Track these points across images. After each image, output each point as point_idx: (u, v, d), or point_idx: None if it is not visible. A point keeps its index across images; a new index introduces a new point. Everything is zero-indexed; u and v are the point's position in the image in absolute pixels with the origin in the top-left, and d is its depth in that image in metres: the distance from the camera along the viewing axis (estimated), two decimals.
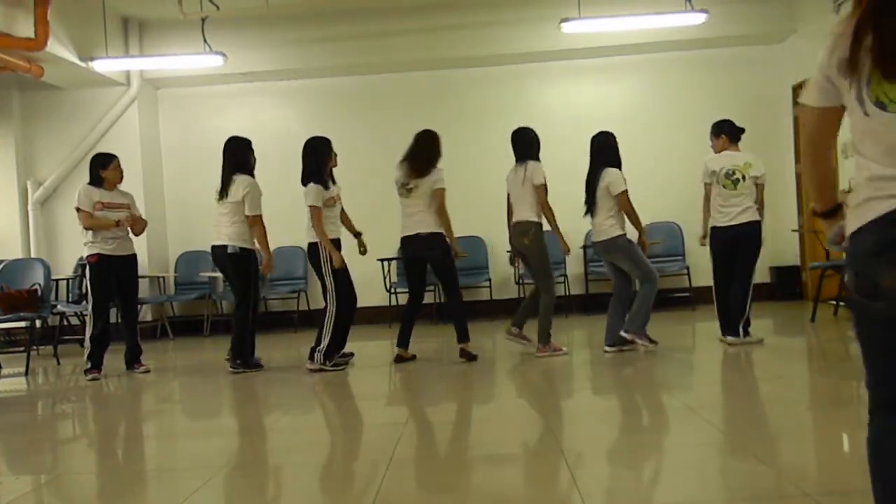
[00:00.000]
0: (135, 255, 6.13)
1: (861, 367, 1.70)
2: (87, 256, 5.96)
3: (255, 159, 5.89)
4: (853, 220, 1.71)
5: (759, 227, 5.54)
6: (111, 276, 5.93)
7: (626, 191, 5.49)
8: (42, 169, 8.79)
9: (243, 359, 5.79)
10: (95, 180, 5.98)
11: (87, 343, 5.94)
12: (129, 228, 6.04)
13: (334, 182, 5.74)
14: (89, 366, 5.92)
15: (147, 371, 6.10)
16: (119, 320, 6.25)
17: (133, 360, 6.15)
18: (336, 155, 5.74)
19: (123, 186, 6.19)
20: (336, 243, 5.65)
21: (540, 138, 5.72)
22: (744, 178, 5.51)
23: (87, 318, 6.03)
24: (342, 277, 5.62)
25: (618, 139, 5.70)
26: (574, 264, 8.71)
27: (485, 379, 5.26)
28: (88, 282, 5.98)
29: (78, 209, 5.88)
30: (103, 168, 5.98)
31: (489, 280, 8.63)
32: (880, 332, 1.68)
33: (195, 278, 8.60)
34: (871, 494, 1.71)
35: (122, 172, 6.07)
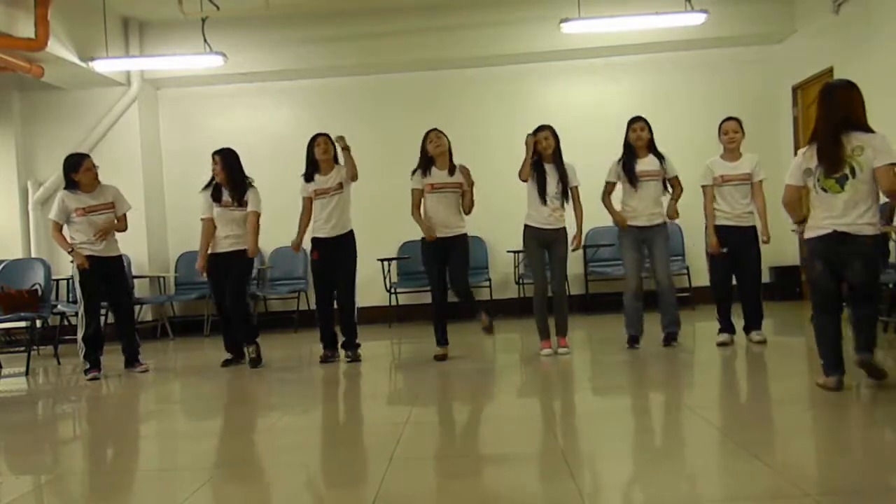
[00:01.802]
0: (121, 256, 6.13)
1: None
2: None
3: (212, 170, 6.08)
4: (808, 234, 3.97)
5: None
6: (99, 277, 5.92)
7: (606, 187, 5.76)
8: (42, 169, 8.79)
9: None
10: (70, 184, 5.91)
11: (80, 344, 5.92)
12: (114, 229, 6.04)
13: (336, 172, 5.89)
14: (88, 366, 5.93)
15: (146, 370, 6.11)
16: (114, 321, 6.27)
17: (132, 360, 6.16)
18: (322, 144, 5.84)
19: (123, 183, 6.18)
20: (316, 241, 5.90)
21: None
22: None
23: (79, 320, 5.98)
24: (313, 272, 6.02)
25: (618, 139, 5.80)
26: (574, 264, 8.70)
27: (485, 378, 5.26)
28: (78, 283, 5.92)
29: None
30: (74, 171, 5.87)
31: (489, 280, 8.63)
32: (819, 279, 3.94)
33: (195, 278, 8.56)
34: None
35: (95, 172, 5.93)
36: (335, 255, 5.90)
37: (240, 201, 5.98)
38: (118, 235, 6.10)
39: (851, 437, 3.42)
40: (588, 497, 2.59)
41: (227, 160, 6.00)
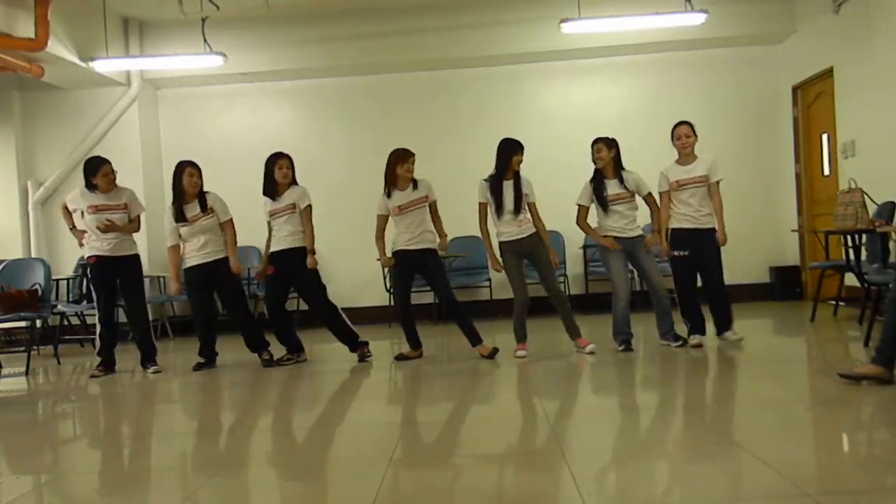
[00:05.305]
0: (135, 256, 6.12)
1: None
2: (87, 257, 6.01)
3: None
4: None
5: None
6: (109, 276, 5.96)
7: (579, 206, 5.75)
8: (42, 169, 8.79)
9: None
10: (89, 185, 5.97)
11: (97, 341, 6.09)
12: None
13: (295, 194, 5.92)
14: (98, 363, 6.06)
15: (157, 371, 6.12)
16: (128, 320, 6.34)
17: (144, 359, 6.19)
18: (283, 168, 5.85)
19: (123, 183, 6.18)
20: (271, 256, 5.95)
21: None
22: None
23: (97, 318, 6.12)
24: (266, 286, 6.10)
25: (618, 139, 5.80)
26: (574, 264, 8.71)
27: (484, 379, 5.26)
28: (91, 282, 6.01)
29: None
30: (92, 175, 5.94)
31: (489, 280, 8.62)
32: None
33: None
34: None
35: (112, 178, 5.98)
36: (289, 268, 5.91)
37: (204, 209, 5.94)
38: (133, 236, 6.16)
39: (851, 437, 3.42)
40: (587, 497, 2.59)
41: (200, 172, 6.01)
